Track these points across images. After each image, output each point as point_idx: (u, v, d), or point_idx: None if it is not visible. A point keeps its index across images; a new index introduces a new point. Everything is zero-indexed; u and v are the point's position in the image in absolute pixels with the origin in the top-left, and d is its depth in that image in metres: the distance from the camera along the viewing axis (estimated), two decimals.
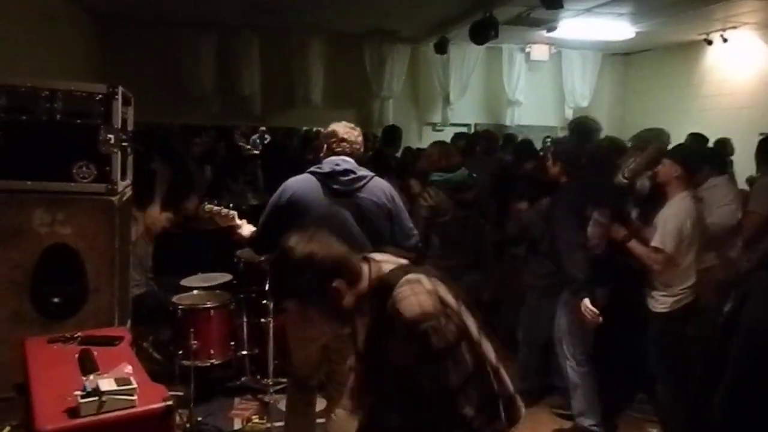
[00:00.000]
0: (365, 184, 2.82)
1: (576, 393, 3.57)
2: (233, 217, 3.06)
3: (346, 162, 2.83)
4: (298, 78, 7.90)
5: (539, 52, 8.64)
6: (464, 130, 9.09)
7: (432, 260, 3.57)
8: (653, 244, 3.25)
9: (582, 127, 4.91)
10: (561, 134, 9.23)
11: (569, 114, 9.34)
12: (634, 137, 4.56)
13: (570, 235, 3.40)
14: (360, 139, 2.96)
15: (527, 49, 8.71)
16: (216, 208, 3.10)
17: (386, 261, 1.79)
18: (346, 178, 2.78)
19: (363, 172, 2.86)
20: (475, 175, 4.08)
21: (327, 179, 2.78)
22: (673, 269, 3.26)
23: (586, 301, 3.34)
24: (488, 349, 1.79)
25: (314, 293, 1.69)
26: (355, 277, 1.72)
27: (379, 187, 2.86)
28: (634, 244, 3.31)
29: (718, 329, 3.42)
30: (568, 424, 3.73)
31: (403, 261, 1.81)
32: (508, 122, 9.06)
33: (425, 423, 1.69)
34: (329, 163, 2.82)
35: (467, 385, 1.66)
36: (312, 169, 2.86)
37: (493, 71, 9.12)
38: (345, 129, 2.93)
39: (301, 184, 2.80)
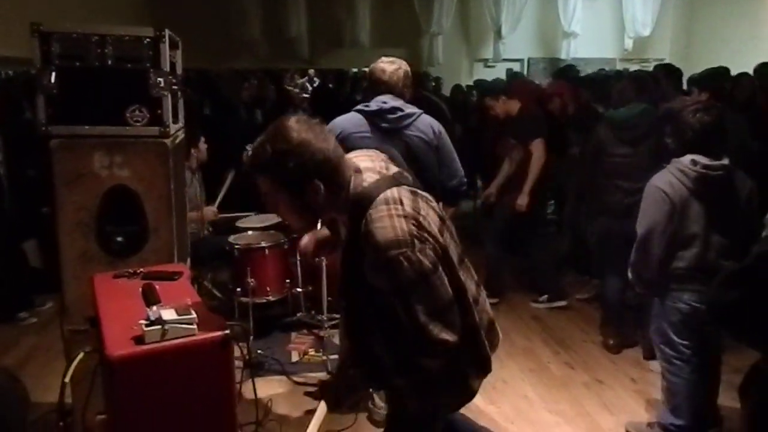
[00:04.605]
0: (413, 121, 2.84)
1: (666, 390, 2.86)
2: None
3: (394, 99, 2.85)
4: (345, 18, 7.78)
5: None
6: (517, 65, 8.79)
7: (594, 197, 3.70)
8: None
9: None
10: (620, 66, 8.80)
11: (629, 44, 8.87)
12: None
13: None
14: (401, 74, 2.91)
15: None
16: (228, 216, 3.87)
17: (370, 170, 1.69)
18: (394, 115, 2.81)
19: (410, 109, 2.87)
20: (644, 108, 3.59)
21: (374, 117, 2.82)
22: None
23: None
24: (469, 277, 1.76)
25: (291, 181, 1.59)
26: (339, 183, 1.63)
27: (427, 124, 2.89)
28: None
29: None
30: None
31: (389, 171, 1.70)
32: (563, 55, 8.70)
33: (405, 346, 1.63)
34: (376, 101, 2.84)
35: (446, 311, 1.59)
36: (359, 107, 2.89)
37: (548, 1, 8.70)
38: (384, 67, 2.91)
39: (349, 122, 2.84)
